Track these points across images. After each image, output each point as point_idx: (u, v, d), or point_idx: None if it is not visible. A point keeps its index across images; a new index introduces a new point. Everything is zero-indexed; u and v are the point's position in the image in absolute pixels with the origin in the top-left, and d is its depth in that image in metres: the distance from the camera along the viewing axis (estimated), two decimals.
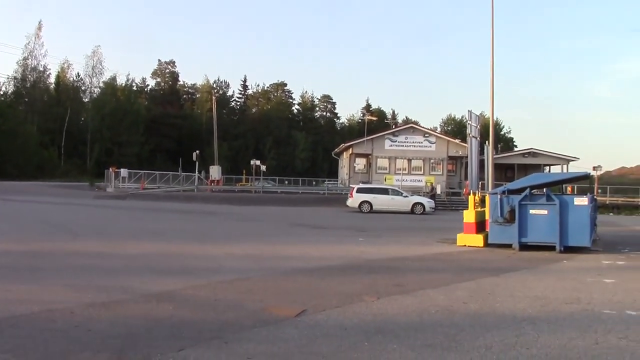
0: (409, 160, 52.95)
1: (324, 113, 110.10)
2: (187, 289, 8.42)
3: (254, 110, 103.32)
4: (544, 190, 15.43)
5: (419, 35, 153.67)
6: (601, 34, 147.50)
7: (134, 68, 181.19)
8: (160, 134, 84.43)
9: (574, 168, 54.31)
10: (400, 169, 51.87)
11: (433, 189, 42.60)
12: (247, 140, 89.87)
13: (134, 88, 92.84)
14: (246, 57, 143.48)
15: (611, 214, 39.88)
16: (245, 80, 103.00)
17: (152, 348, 5.41)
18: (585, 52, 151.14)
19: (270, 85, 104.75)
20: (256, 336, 5.94)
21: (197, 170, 51.06)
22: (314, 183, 61.11)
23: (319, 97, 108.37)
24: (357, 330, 6.24)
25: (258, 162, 53.36)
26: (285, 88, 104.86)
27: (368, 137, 53.49)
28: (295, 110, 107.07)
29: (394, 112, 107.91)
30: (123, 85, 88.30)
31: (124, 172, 48.52)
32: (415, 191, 42.59)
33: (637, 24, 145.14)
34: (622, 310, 7.57)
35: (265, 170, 55.84)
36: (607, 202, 44.82)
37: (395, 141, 52.83)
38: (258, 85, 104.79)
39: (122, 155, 74.50)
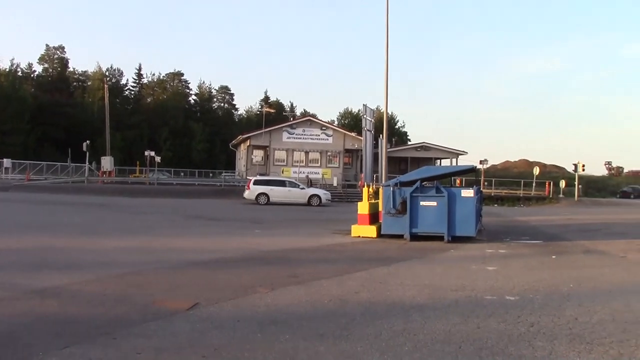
0: (307, 153, 53.40)
1: (222, 104, 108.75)
2: (74, 284, 8.09)
3: (149, 100, 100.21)
4: (434, 182, 16.07)
5: (317, 28, 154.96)
6: (490, 31, 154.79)
7: (19, 52, 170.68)
8: (48, 122, 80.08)
9: (463, 161, 56.92)
10: (297, 162, 52.23)
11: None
12: (142, 131, 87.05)
13: (19, 74, 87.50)
14: (141, 45, 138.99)
15: (496, 205, 42.02)
16: (140, 69, 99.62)
17: (33, 347, 5.16)
18: (474, 49, 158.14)
19: (166, 74, 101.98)
20: (146, 331, 5.80)
21: (87, 161, 49.05)
22: (210, 175, 60.39)
23: (217, 88, 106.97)
24: (250, 322, 6.24)
25: (153, 153, 52.04)
26: (182, 78, 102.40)
27: (266, 129, 53.47)
28: (192, 101, 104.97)
29: (292, 104, 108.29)
30: (7, 70, 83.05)
31: (7, 162, 45.87)
32: (312, 183, 43.08)
33: (523, 23, 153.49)
34: (502, 295, 8.02)
35: (160, 161, 54.56)
36: (492, 194, 47.20)
37: (293, 133, 53.11)
38: (154, 75, 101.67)
39: (6, 144, 70.05)
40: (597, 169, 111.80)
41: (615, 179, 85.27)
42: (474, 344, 5.55)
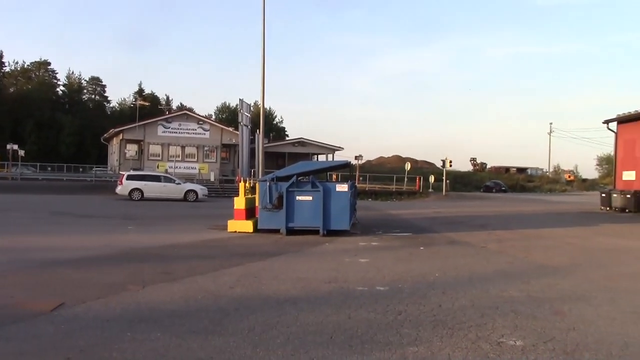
0: (183, 147, 52.41)
1: (93, 96, 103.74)
2: None
3: (11, 89, 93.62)
4: (310, 177, 16.32)
5: (194, 20, 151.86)
6: (365, 29, 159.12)
7: None
8: None
9: (339, 157, 58.22)
10: (173, 156, 51.08)
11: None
12: (3, 123, 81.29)
13: None
14: (2, 31, 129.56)
15: (370, 199, 43.37)
16: (1, 57, 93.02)
17: None
18: (350, 46, 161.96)
19: (31, 63, 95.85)
20: (4, 334, 5.46)
21: None
22: (80, 170, 57.50)
23: (87, 79, 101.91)
24: (119, 321, 6.04)
25: (16, 147, 48.85)
26: (49, 67, 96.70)
27: (140, 123, 51.83)
28: (60, 92, 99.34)
29: (168, 98, 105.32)
30: None
31: None
32: (188, 178, 42.29)
33: (396, 22, 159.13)
34: (373, 286, 8.31)
35: (24, 155, 51.27)
36: (367, 189, 48.70)
37: (169, 127, 51.97)
38: (17, 63, 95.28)
39: None
40: (464, 165, 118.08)
41: (480, 175, 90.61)
42: (344, 334, 5.71)
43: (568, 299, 7.59)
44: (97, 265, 9.83)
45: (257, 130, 30.64)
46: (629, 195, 29.19)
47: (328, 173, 25.01)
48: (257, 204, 16.13)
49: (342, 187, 15.43)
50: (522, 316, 6.56)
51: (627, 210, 28.94)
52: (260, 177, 21.47)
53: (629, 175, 31.83)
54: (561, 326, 6.14)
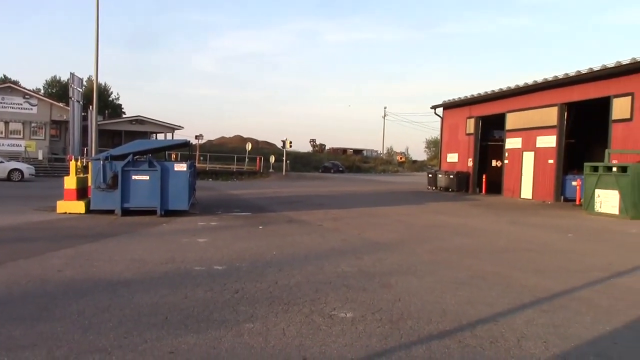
0: (7, 123, 48.33)
1: None
2: None
3: None
4: (147, 156, 15.83)
5: None
6: (207, 8, 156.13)
7: None
8: None
9: (179, 136, 56.88)
10: None
11: None
12: None
13: None
14: None
15: (210, 179, 43.00)
16: None
17: None
18: (191, 25, 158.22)
19: None
20: None
21: None
22: None
23: None
24: None
25: None
26: None
27: None
28: None
29: None
30: None
31: None
32: (13, 157, 39.19)
33: (236, 4, 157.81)
34: (210, 266, 8.28)
35: None
36: (207, 169, 48.21)
37: None
38: None
39: None
40: (304, 146, 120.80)
41: (319, 155, 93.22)
42: (180, 314, 5.65)
43: (396, 272, 8.08)
44: None
45: (91, 107, 28.99)
46: (452, 176, 31.61)
47: (167, 152, 24.38)
48: (89, 183, 15.33)
49: (181, 167, 15.14)
50: (353, 290, 6.88)
51: (450, 190, 31.33)
52: (93, 155, 20.38)
53: (452, 157, 34.43)
54: (388, 297, 6.53)
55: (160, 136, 58.56)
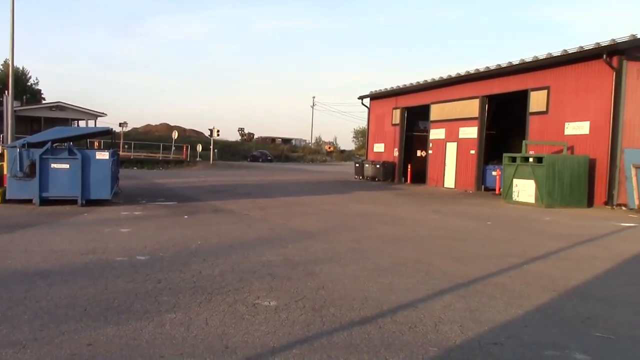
0: None
1: None
2: None
3: None
4: (68, 144, 15.32)
5: None
6: None
7: None
8: None
9: (103, 124, 55.26)
10: None
11: None
12: None
13: None
14: None
15: (135, 168, 42.03)
16: None
17: None
18: (115, 8, 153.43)
19: None
20: None
21: None
22: None
23: None
24: None
25: None
26: None
27: None
28: None
29: None
30: None
31: None
32: None
33: None
34: (133, 256, 8.14)
35: None
36: (132, 157, 47.09)
37: None
38: None
39: None
40: (232, 135, 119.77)
41: (247, 144, 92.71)
42: (100, 305, 5.54)
43: (320, 261, 8.18)
44: None
45: (6, 92, 27.66)
46: (378, 166, 32.13)
47: (88, 140, 23.63)
48: (5, 172, 14.70)
49: (103, 155, 14.74)
50: (277, 278, 6.93)
51: (377, 179, 31.85)
52: (9, 143, 19.55)
53: (379, 147, 34.98)
54: (312, 286, 6.61)
55: (82, 123, 56.71)
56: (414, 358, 4.37)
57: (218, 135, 55.25)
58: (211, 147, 54.70)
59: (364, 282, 6.87)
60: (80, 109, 54.71)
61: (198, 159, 54.25)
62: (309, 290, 6.40)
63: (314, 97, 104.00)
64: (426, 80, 29.88)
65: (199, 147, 56.18)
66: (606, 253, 9.69)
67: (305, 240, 10.08)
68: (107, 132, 19.13)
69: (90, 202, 14.57)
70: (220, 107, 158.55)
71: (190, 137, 76.35)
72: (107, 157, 14.67)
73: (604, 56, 18.76)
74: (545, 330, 5.21)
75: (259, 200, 18.05)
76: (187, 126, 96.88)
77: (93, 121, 55.44)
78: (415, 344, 4.68)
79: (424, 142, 31.15)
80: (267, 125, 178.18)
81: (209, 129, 54.57)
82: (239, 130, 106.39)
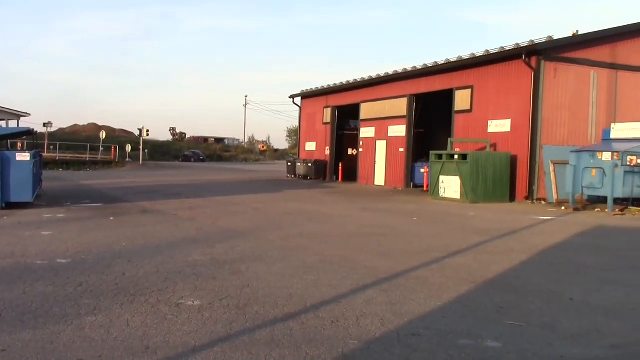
0: None
1: None
2: None
3: None
4: None
5: None
6: None
7: None
8: None
9: (27, 124, 53.17)
10: None
11: None
12: None
13: None
14: None
15: (61, 169, 40.76)
16: None
17: None
18: (39, 5, 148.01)
19: None
20: None
21: None
22: None
23: None
24: None
25: None
26: None
27: None
28: None
29: None
30: None
31: None
32: None
33: None
34: (54, 259, 7.94)
35: None
36: (57, 158, 45.63)
37: None
38: None
39: None
40: (163, 135, 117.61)
41: (179, 144, 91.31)
42: (16, 310, 5.40)
43: (247, 259, 8.20)
44: None
45: None
46: (310, 164, 32.33)
47: (9, 141, 22.79)
48: None
49: (24, 156, 14.28)
50: (203, 278, 6.91)
51: (309, 178, 32.05)
52: None
53: (311, 146, 35.19)
54: (237, 284, 6.64)
55: (3, 124, 54.43)
56: (334, 352, 4.46)
57: (148, 135, 54.11)
58: (141, 147, 53.60)
59: (289, 280, 6.95)
60: (1, 109, 52.48)
61: (127, 159, 53.05)
62: (233, 288, 6.42)
63: (246, 96, 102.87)
64: (356, 80, 30.27)
65: (129, 148, 54.93)
66: (522, 246, 10.12)
67: (233, 240, 10.08)
68: (29, 133, 18.51)
69: (11, 205, 14.09)
70: (151, 107, 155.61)
71: (119, 138, 74.51)
72: (29, 159, 14.20)
73: (523, 56, 19.53)
74: (462, 320, 5.42)
75: (189, 200, 17.87)
76: (116, 126, 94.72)
77: (16, 121, 53.30)
78: (337, 338, 4.79)
79: (354, 141, 31.55)
80: (199, 124, 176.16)
81: (139, 129, 53.43)
82: (170, 130, 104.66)
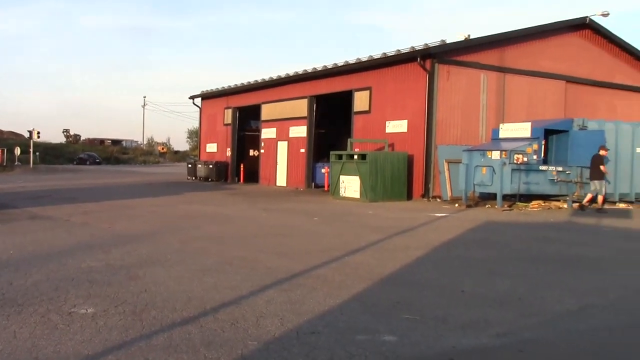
0: None
1: None
2: None
3: None
4: None
5: None
6: None
7: None
8: None
9: None
10: None
11: None
12: None
13: None
14: None
15: None
16: None
17: None
18: None
19: None
20: None
21: None
22: None
23: None
24: None
25: None
26: None
27: None
28: None
29: None
30: None
31: None
32: None
33: None
34: None
35: None
36: None
37: None
38: None
39: None
40: (56, 137, 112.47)
41: (73, 146, 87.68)
42: None
43: (145, 264, 8.00)
44: None
45: None
46: (211, 166, 31.97)
47: None
48: None
49: None
50: (97, 284, 6.67)
51: (210, 180, 31.68)
52: None
53: (211, 147, 34.80)
54: (134, 290, 6.46)
55: None
56: (233, 354, 4.44)
57: (39, 137, 51.58)
58: (31, 150, 50.97)
59: (188, 283, 6.84)
60: None
61: (17, 163, 50.29)
62: (130, 294, 6.25)
63: (144, 97, 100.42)
64: (257, 81, 30.22)
65: (17, 151, 52.11)
66: (418, 242, 10.48)
67: (130, 244, 9.79)
68: None
69: None
70: (43, 107, 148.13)
71: (8, 140, 70.49)
72: None
73: (418, 59, 20.22)
74: (359, 317, 5.54)
75: (83, 205, 17.16)
76: (4, 128, 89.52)
77: None
78: (236, 340, 4.77)
79: (256, 142, 31.49)
80: (95, 126, 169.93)
81: (28, 131, 50.81)
82: (64, 132, 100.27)
